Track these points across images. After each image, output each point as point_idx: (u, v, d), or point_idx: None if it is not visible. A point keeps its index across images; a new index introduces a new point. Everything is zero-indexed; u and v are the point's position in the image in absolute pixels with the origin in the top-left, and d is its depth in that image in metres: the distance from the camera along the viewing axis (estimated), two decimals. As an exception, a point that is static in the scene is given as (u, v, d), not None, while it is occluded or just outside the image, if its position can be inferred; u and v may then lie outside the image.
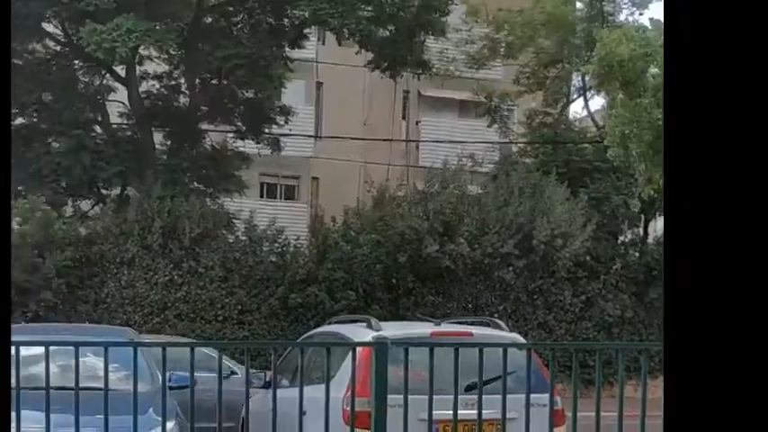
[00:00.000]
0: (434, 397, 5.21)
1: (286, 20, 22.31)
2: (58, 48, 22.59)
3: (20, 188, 20.92)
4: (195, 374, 5.54)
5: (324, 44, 27.85)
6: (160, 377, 7.89)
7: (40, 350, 5.40)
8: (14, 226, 19.29)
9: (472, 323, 8.47)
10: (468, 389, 5.88)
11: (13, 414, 4.96)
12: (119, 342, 7.51)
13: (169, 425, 6.39)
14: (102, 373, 5.31)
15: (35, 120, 22.75)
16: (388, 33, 21.90)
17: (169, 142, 23.46)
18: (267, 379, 8.61)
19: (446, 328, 8.74)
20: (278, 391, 5.81)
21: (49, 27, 21.87)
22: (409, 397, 5.17)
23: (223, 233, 21.80)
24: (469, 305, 21.55)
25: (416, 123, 31.44)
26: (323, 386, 5.55)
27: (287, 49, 22.68)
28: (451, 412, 5.31)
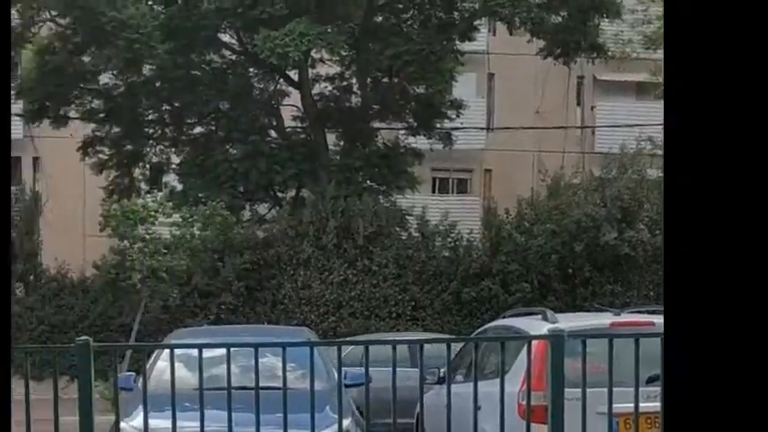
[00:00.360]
0: (614, 389, 5.16)
1: (456, 13, 22.45)
2: (234, 57, 23.53)
3: (200, 195, 21.98)
4: (371, 371, 5.70)
5: (494, 35, 27.79)
6: (336, 375, 8.20)
7: (222, 352, 5.65)
8: (195, 231, 20.28)
9: (654, 312, 8.24)
10: (650, 380, 5.78)
11: (197, 413, 5.30)
12: (296, 342, 7.80)
13: (345, 422, 6.60)
14: (280, 373, 5.51)
15: (213, 128, 23.85)
16: (560, 19, 21.67)
17: (342, 142, 24.02)
18: (441, 374, 8.72)
19: (626, 317, 8.56)
20: (452, 386, 5.90)
21: (224, 37, 22.85)
22: (587, 390, 5.14)
23: (396, 230, 22.13)
24: (651, 293, 20.91)
25: (591, 108, 30.85)
26: (497, 381, 5.56)
27: (457, 42, 22.76)
28: (632, 405, 5.25)
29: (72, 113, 23.30)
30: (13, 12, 20.57)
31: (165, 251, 19.77)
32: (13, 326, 21.06)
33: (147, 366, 7.54)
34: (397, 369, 5.49)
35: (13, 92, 21.92)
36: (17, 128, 25.48)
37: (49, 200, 23.73)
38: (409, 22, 22.83)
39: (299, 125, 24.30)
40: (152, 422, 5.40)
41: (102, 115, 23.56)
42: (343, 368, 7.19)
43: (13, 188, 21.99)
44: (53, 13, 21.16)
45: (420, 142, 24.62)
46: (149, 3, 21.23)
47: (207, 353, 5.52)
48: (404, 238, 22.17)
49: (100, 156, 24.12)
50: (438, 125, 24.09)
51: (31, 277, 21.90)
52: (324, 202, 21.29)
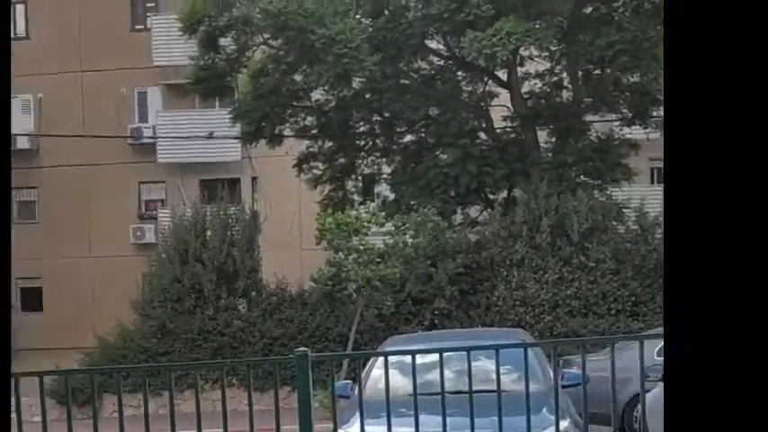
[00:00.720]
0: None
1: (668, -5, 21.65)
2: (441, 62, 23.77)
3: (411, 202, 22.37)
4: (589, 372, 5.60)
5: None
6: (552, 376, 8.11)
7: (436, 357, 5.71)
8: (408, 239, 20.64)
9: None
10: None
11: (412, 419, 5.39)
12: (509, 344, 7.77)
13: (563, 424, 6.51)
14: (494, 376, 5.52)
15: (423, 135, 24.21)
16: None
17: (553, 139, 23.77)
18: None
19: None
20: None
21: (431, 43, 23.15)
22: None
23: (613, 224, 21.65)
24: None
25: None
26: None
27: (673, 26, 21.97)
28: None
29: (287, 131, 24.34)
30: (228, 39, 21.78)
31: (379, 260, 20.23)
32: (237, 340, 22.29)
33: (363, 374, 7.76)
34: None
35: (230, 115, 23.22)
36: (235, 150, 26.88)
37: (267, 217, 24.85)
38: (620, 10, 22.26)
39: (509, 125, 24.22)
40: (368, 429, 5.55)
41: (315, 131, 24.48)
42: (559, 369, 7.16)
43: (232, 208, 23.20)
44: (265, 36, 22.14)
45: (635, 132, 23.94)
46: (357, 17, 21.81)
47: (421, 358, 5.60)
48: (621, 231, 21.65)
49: (314, 171, 25.03)
50: (654, 113, 23.35)
51: (253, 293, 22.95)
52: (536, 200, 21.14)
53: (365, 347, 20.67)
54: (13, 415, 5.41)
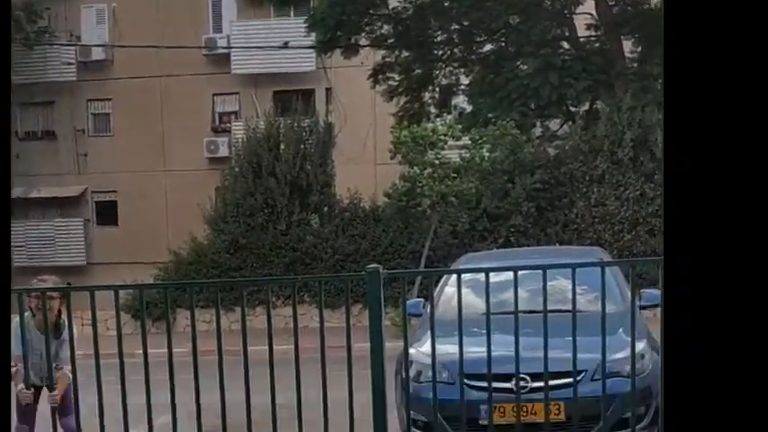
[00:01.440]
0: None
1: None
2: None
3: (489, 115, 22.10)
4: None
5: None
6: (630, 296, 8.07)
7: (510, 275, 5.70)
8: (485, 153, 20.50)
9: None
10: None
11: (484, 338, 5.42)
12: (586, 263, 7.71)
13: (639, 345, 6.48)
14: (570, 295, 5.50)
15: (503, 44, 23.77)
16: None
17: (639, 48, 23.17)
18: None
19: None
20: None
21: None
22: None
23: (699, 140, 21.21)
24: None
25: None
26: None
27: None
28: None
29: (362, 41, 24.14)
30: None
31: (455, 175, 20.17)
32: (309, 256, 22.58)
33: (435, 292, 7.81)
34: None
35: (305, 24, 23.09)
36: (310, 60, 26.82)
37: (341, 130, 24.89)
38: None
39: (594, 34, 23.67)
40: (440, 347, 5.58)
41: (391, 40, 24.20)
42: (638, 289, 7.10)
43: (306, 121, 23.25)
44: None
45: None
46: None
47: (495, 277, 5.59)
48: (707, 147, 21.19)
49: (390, 82, 24.83)
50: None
51: (326, 208, 23.15)
52: (619, 113, 20.75)
53: (438, 265, 20.76)
54: (89, 328, 5.60)
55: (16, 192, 27.28)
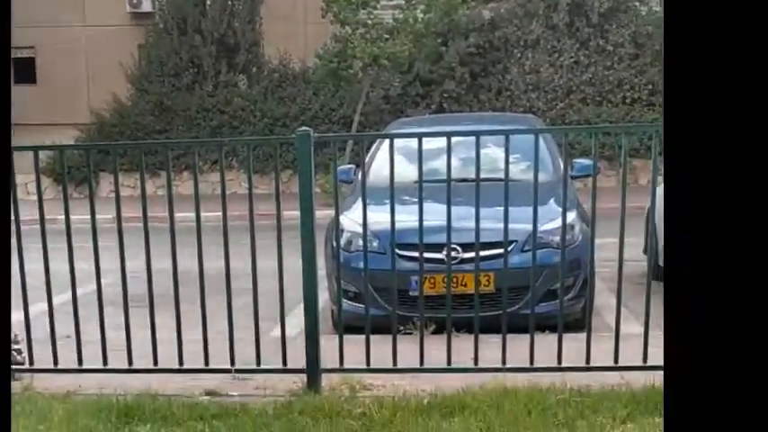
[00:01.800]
0: None
1: None
2: None
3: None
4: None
5: None
6: (562, 167, 8.12)
7: (442, 143, 5.64)
8: (419, 14, 20.13)
9: None
10: None
11: (416, 207, 5.42)
12: (520, 129, 7.70)
13: (570, 216, 6.57)
14: (502, 164, 5.45)
15: None
16: None
17: None
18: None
19: None
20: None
21: None
22: None
23: (635, 5, 21.10)
24: None
25: None
26: None
27: None
28: None
29: None
30: None
31: (388, 36, 19.86)
32: (237, 119, 22.33)
33: (367, 159, 7.76)
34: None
35: None
36: None
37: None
38: None
39: None
40: (371, 216, 5.56)
41: None
42: (570, 159, 7.14)
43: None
44: None
45: None
46: None
47: (426, 144, 5.49)
48: (643, 13, 21.13)
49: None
50: None
51: (254, 69, 22.75)
52: (557, -25, 20.52)
53: (370, 130, 20.69)
54: (20, 189, 5.48)
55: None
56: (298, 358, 5.41)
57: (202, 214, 5.47)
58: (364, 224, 5.50)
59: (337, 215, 5.76)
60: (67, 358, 5.60)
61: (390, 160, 5.38)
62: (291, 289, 5.41)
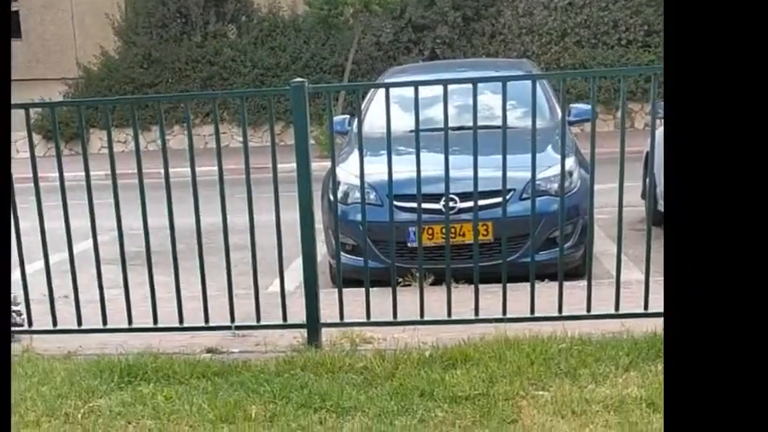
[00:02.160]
0: None
1: None
2: None
3: None
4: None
5: None
6: (559, 112, 8.10)
7: (437, 91, 5.61)
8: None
9: None
10: None
11: (412, 157, 5.40)
12: (517, 76, 7.64)
13: (568, 162, 6.56)
14: (498, 111, 5.42)
15: None
16: None
17: None
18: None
19: None
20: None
21: None
22: None
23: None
24: None
25: None
26: None
27: None
28: None
29: None
30: None
31: (378, -17, 19.72)
32: (228, 70, 22.18)
33: (361, 108, 7.71)
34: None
35: None
36: None
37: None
38: None
39: None
40: (367, 167, 5.53)
41: None
42: (568, 104, 7.10)
43: None
44: None
45: None
46: None
47: (421, 92, 5.45)
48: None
49: None
50: None
51: (243, 18, 22.57)
52: None
53: (362, 79, 20.58)
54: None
55: None
56: (297, 313, 5.43)
57: (197, 169, 5.45)
58: (361, 176, 5.47)
59: (334, 167, 5.73)
60: (66, 319, 5.62)
61: (387, 110, 5.34)
62: (288, 243, 5.42)
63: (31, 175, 5.52)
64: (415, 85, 5.44)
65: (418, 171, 5.31)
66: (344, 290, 5.51)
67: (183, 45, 22.20)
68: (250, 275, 5.44)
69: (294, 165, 5.31)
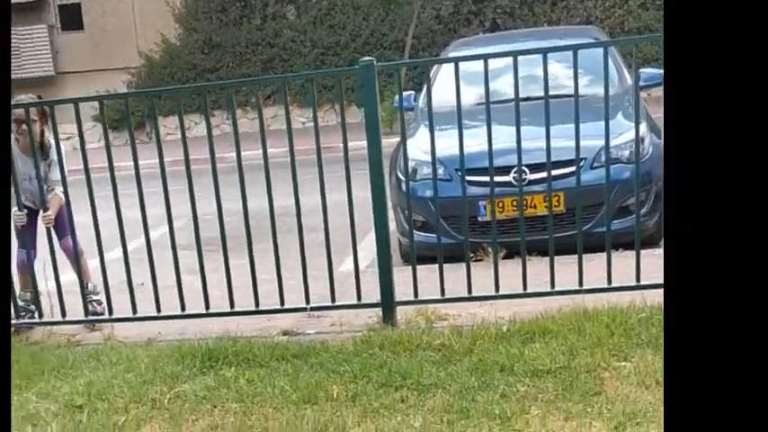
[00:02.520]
0: None
1: None
2: None
3: None
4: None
5: None
6: (629, 78, 7.98)
7: (502, 62, 5.56)
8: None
9: None
10: None
11: (480, 130, 5.38)
12: (588, 44, 7.53)
13: (642, 128, 6.47)
14: (565, 81, 5.40)
15: None
16: None
17: None
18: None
19: None
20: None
21: None
22: None
23: None
24: None
25: None
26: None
27: None
28: None
29: None
30: None
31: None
32: (288, 51, 22.27)
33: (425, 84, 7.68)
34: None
35: None
36: None
37: None
38: None
39: None
40: (437, 141, 5.51)
41: None
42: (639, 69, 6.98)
43: None
44: None
45: None
46: None
47: (483, 65, 5.42)
48: None
49: None
50: None
51: (302, -2, 22.67)
52: None
53: (423, 54, 20.52)
54: (69, 143, 5.57)
55: (-28, 0, 26.47)
56: (369, 292, 5.46)
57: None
58: (433, 152, 5.45)
59: (405, 144, 5.71)
60: (143, 306, 5.73)
61: (456, 85, 5.31)
62: (361, 222, 5.44)
63: (99, 165, 5.63)
64: (485, 57, 5.39)
65: (490, 145, 5.28)
66: (418, 266, 5.52)
67: (243, 28, 22.35)
68: (320, 257, 5.48)
69: (361, 143, 5.33)
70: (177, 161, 5.49)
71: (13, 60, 26.61)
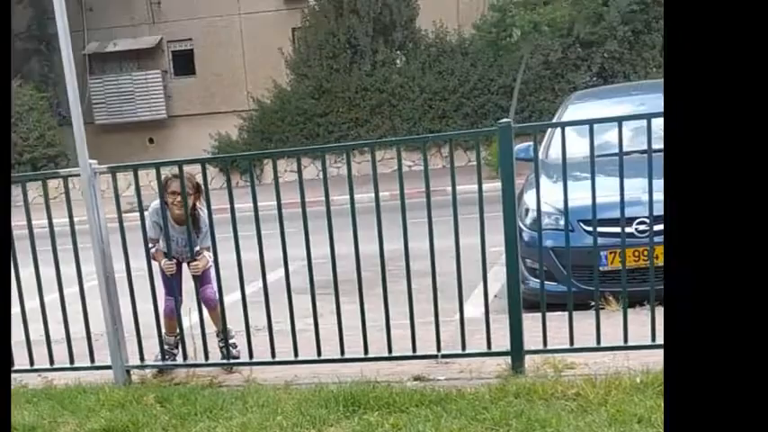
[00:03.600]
0: None
1: None
2: None
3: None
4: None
5: None
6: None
7: (620, 110, 5.64)
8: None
9: None
10: None
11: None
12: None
13: None
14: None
15: None
16: None
17: None
18: None
19: None
20: None
21: None
22: None
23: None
24: None
25: None
26: None
27: None
28: None
29: None
30: None
31: (546, 2, 19.79)
32: (396, 96, 22.62)
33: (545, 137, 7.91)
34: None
35: None
36: None
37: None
38: None
39: None
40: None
41: None
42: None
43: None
44: None
45: None
46: None
47: (603, 114, 5.58)
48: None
49: None
50: None
51: (410, 44, 23.00)
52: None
53: (530, 98, 20.66)
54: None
55: (91, 47, 27.59)
56: (494, 339, 5.60)
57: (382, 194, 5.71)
58: (565, 206, 5.59)
59: (539, 197, 5.84)
60: (264, 349, 5.97)
61: (591, 147, 5.49)
62: (467, 269, 5.59)
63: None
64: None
65: (622, 197, 5.41)
66: (535, 315, 5.64)
67: (353, 74, 22.78)
68: (431, 303, 5.63)
69: (469, 187, 5.57)
70: (292, 203, 5.73)
71: (127, 104, 27.64)
